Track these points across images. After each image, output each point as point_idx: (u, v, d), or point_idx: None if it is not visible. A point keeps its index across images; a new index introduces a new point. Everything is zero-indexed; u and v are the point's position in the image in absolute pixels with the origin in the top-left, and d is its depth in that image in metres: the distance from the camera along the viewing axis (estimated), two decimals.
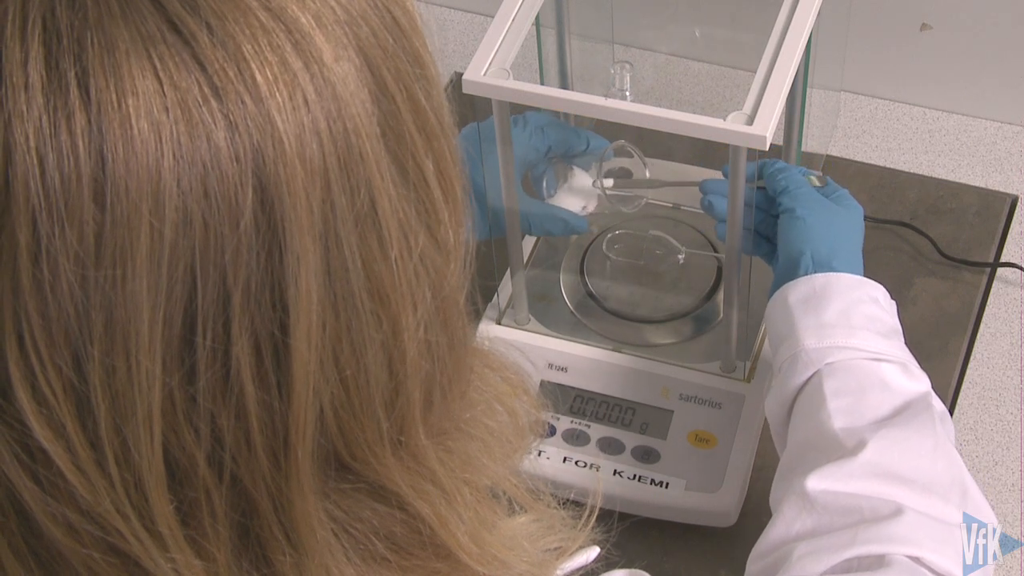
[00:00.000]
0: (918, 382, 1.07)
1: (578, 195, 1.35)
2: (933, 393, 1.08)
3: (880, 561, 0.93)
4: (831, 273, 1.11)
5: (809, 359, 1.08)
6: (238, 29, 0.53)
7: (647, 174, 1.30)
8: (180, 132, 0.51)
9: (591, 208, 1.36)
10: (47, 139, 0.50)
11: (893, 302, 1.14)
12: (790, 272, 1.14)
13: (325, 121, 0.54)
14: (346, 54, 0.55)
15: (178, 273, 0.52)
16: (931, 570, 0.94)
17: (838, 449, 1.01)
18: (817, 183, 1.21)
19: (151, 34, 0.51)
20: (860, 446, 1.00)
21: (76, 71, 0.50)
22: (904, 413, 1.04)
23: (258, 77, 0.52)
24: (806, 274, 1.12)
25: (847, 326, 1.08)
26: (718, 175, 1.30)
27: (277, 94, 0.53)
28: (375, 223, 0.56)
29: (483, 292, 1.33)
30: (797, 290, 1.11)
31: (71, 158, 0.50)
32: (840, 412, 1.04)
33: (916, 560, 0.93)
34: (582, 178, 1.36)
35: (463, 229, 0.62)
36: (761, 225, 1.22)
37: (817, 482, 0.98)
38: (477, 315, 0.67)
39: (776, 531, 0.99)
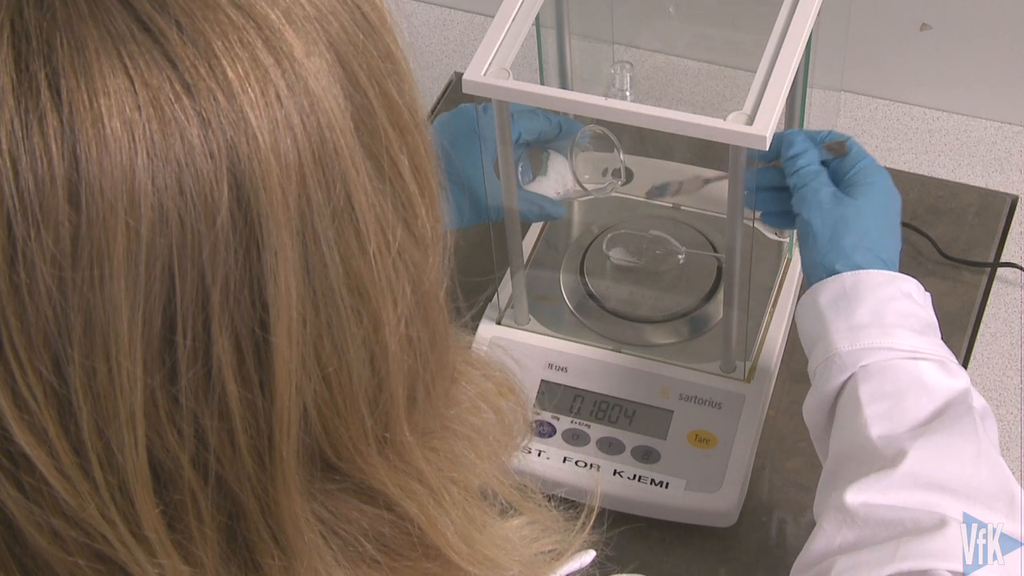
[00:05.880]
0: (957, 379, 1.05)
1: (553, 180, 1.33)
2: (973, 390, 1.05)
3: None
4: (860, 271, 1.09)
5: (843, 363, 1.05)
6: (208, 26, 0.53)
7: (621, 157, 1.29)
8: (153, 130, 0.51)
9: (567, 193, 1.35)
10: (19, 141, 0.50)
11: (927, 294, 1.11)
12: (812, 278, 1.12)
13: (298, 116, 0.54)
14: (317, 50, 0.55)
15: (156, 272, 0.52)
16: None
17: (877, 459, 0.99)
18: (831, 155, 1.17)
19: (120, 33, 0.51)
20: (899, 456, 0.98)
21: (46, 72, 0.50)
22: (944, 416, 1.01)
23: (229, 73, 0.52)
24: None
25: (880, 325, 1.06)
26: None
27: (249, 90, 0.53)
28: (352, 218, 0.56)
29: (481, 290, 1.33)
30: (827, 291, 1.09)
31: (44, 159, 0.50)
32: (877, 418, 1.02)
33: None
34: (556, 163, 1.34)
35: (440, 224, 0.62)
36: (785, 201, 1.19)
37: (856, 495, 0.96)
38: (458, 313, 0.67)
39: (817, 544, 0.97)
